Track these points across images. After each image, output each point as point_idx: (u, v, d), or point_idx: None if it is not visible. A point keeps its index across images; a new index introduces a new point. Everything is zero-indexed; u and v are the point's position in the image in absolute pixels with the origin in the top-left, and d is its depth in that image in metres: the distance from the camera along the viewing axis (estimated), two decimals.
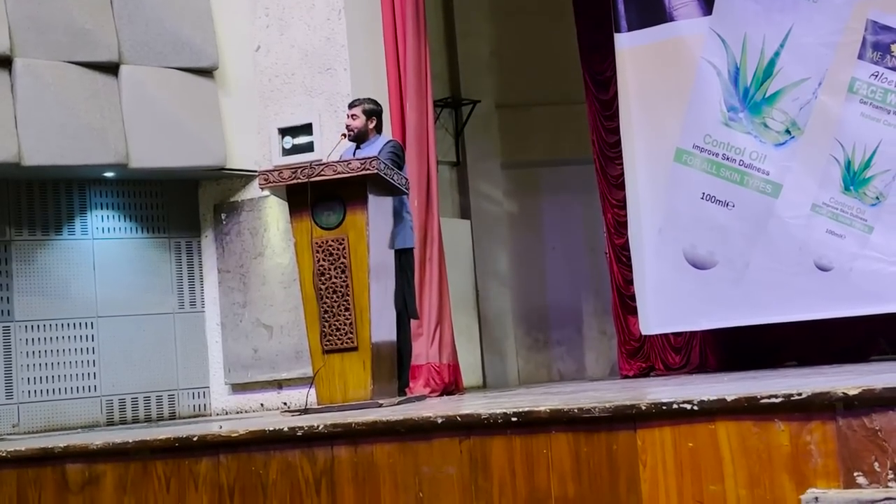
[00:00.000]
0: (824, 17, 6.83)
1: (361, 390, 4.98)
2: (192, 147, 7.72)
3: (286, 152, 7.82)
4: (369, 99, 6.18)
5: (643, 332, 7.81)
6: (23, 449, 4.15)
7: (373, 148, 5.91)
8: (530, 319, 10.07)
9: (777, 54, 7.00)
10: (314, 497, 3.53)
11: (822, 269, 6.85)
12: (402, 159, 5.99)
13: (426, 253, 7.37)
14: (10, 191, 7.66)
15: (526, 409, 3.25)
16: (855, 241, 6.72)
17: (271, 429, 3.66)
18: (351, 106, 6.14)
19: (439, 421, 3.35)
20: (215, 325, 8.13)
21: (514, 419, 3.23)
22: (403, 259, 5.91)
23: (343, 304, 5.03)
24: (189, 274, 8.20)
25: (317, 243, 5.08)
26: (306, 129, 7.72)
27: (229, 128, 7.90)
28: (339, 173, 5.06)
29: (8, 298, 7.59)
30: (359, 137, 6.02)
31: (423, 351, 7.16)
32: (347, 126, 6.03)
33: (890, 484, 2.73)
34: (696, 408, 2.98)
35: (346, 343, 5.02)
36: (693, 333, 7.88)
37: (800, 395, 2.85)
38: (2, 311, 7.55)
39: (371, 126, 6.05)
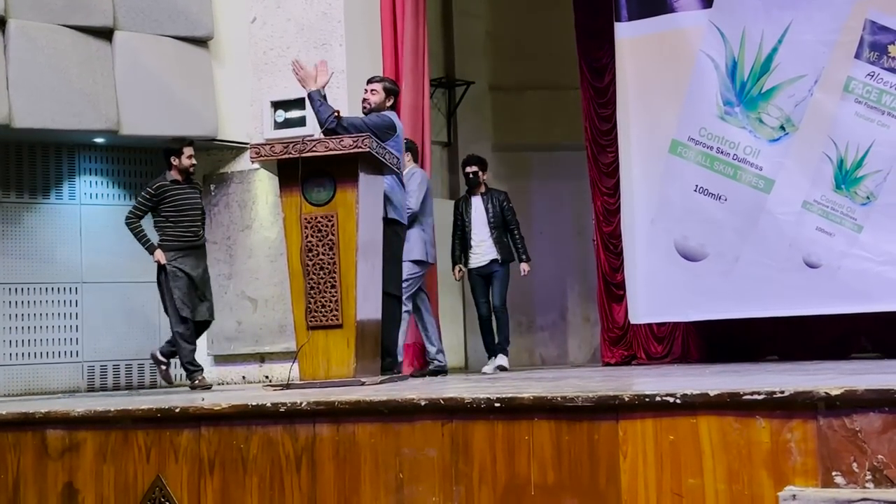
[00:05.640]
0: (823, 15, 6.82)
1: (344, 368, 4.98)
2: (184, 116, 7.67)
3: (278, 126, 7.79)
4: (388, 78, 6.21)
5: (632, 321, 7.82)
6: (3, 413, 4.13)
7: None
8: (515, 303, 10.04)
9: (775, 50, 7.00)
10: (294, 474, 3.52)
11: (811, 266, 6.87)
12: (385, 129, 5.77)
13: None
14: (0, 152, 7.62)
15: (509, 395, 3.25)
16: (844, 240, 6.75)
17: (254, 404, 3.65)
18: (370, 81, 6.12)
19: (422, 403, 3.35)
20: None
21: (497, 405, 3.23)
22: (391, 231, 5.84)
23: (329, 281, 5.02)
24: None
25: (306, 219, 5.06)
26: (299, 103, 7.67)
27: (222, 99, 7.86)
28: (330, 150, 5.03)
29: None
30: (374, 112, 6.00)
31: (408, 330, 7.15)
32: (365, 100, 6.02)
33: (867, 485, 2.75)
34: (678, 401, 2.99)
35: (331, 320, 5.00)
36: (676, 324, 7.91)
37: (782, 393, 2.86)
38: None
39: (388, 104, 6.04)
